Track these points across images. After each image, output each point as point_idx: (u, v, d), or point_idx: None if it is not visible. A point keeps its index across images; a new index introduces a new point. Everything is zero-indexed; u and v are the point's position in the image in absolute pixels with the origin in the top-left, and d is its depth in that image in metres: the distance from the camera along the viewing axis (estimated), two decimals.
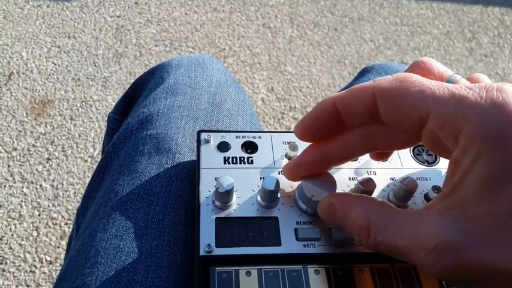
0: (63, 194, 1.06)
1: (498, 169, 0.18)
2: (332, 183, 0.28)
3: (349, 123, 0.24)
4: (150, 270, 0.27)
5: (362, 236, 0.23)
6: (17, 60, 1.33)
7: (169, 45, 1.45)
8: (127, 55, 1.39)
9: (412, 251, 0.20)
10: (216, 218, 0.28)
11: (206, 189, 0.29)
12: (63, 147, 1.14)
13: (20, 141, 1.14)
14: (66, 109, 1.22)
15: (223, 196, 0.28)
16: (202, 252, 0.26)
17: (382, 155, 0.28)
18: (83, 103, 1.24)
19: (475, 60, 1.67)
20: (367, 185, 0.28)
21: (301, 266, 0.27)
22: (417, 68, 0.25)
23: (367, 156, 0.32)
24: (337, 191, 0.30)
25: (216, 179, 0.30)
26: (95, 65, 1.35)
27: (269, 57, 1.49)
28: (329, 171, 0.28)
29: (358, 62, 1.55)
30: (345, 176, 0.31)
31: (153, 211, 0.30)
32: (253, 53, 1.49)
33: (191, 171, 0.33)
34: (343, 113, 0.23)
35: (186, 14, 1.58)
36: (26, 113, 1.20)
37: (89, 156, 1.13)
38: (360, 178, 0.30)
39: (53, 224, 1.01)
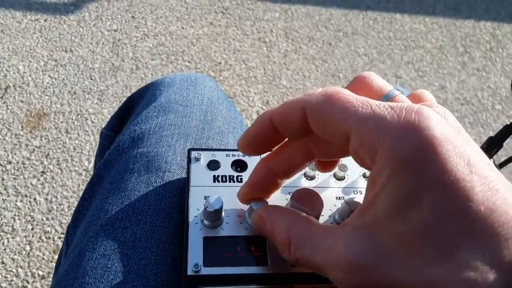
0: (57, 208, 1.06)
1: (406, 192, 0.18)
2: (319, 203, 0.28)
3: (287, 136, 0.25)
4: None
5: (284, 251, 0.23)
6: (14, 73, 1.33)
7: (166, 59, 1.47)
8: (123, 69, 1.40)
9: (326, 268, 0.21)
10: (204, 238, 0.28)
11: (195, 208, 0.30)
12: (58, 161, 1.14)
13: (15, 154, 1.14)
14: (61, 122, 1.23)
15: (212, 215, 0.28)
16: (190, 272, 0.26)
17: (325, 166, 0.29)
18: (79, 116, 1.25)
19: (467, 74, 1.69)
20: (352, 206, 0.28)
21: (288, 286, 0.27)
22: (358, 82, 0.25)
23: (354, 175, 0.33)
24: (324, 210, 0.30)
25: (205, 197, 0.30)
26: (91, 79, 1.35)
27: (264, 71, 1.51)
28: (316, 191, 0.28)
29: (352, 75, 1.56)
30: (332, 195, 0.32)
31: (141, 230, 0.30)
32: (249, 67, 1.51)
33: (180, 189, 0.34)
34: (279, 127, 0.24)
35: (182, 28, 1.60)
36: (22, 126, 1.20)
37: (84, 170, 1.13)
38: (346, 198, 0.31)
39: (46, 238, 1.01)
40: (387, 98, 0.24)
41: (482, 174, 0.18)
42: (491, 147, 0.31)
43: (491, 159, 0.35)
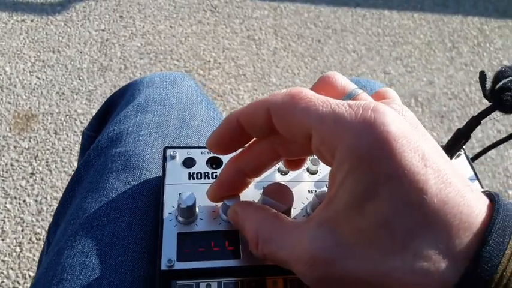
0: (47, 209, 1.06)
1: (364, 187, 0.19)
2: (290, 196, 0.29)
3: (253, 135, 0.25)
4: (113, 286, 0.28)
5: (252, 247, 0.24)
6: (0, 74, 1.33)
7: (154, 58, 1.47)
8: (112, 68, 1.40)
9: (291, 262, 0.22)
10: (178, 233, 0.29)
11: (170, 205, 0.30)
12: (47, 162, 1.14)
13: (3, 156, 1.14)
14: (50, 123, 1.22)
15: (185, 212, 0.29)
16: (163, 267, 0.27)
17: (292, 164, 0.29)
18: (67, 117, 1.25)
19: (455, 69, 1.70)
20: (322, 198, 0.29)
21: (260, 278, 0.28)
22: (322, 82, 0.26)
23: (327, 169, 0.34)
24: (297, 204, 0.31)
25: (180, 194, 0.31)
26: (80, 79, 1.35)
27: (254, 69, 1.51)
28: (288, 185, 0.29)
29: (341, 72, 1.56)
30: (305, 188, 0.32)
31: (118, 228, 0.31)
32: (238, 65, 1.51)
33: (158, 187, 0.34)
34: (246, 126, 0.24)
35: (170, 27, 1.60)
36: (10, 128, 1.20)
37: (73, 171, 1.13)
38: (317, 191, 0.31)
39: (36, 239, 1.01)
40: (350, 96, 0.25)
41: (436, 168, 0.19)
42: (459, 138, 0.32)
43: (461, 150, 0.36)
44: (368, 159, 0.19)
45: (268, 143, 0.26)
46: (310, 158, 0.33)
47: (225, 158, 0.34)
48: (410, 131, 0.20)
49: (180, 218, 0.29)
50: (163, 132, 0.38)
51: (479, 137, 1.45)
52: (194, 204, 0.29)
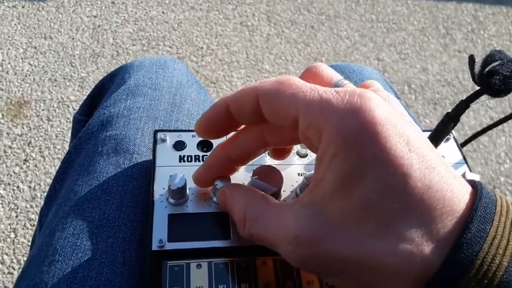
0: (41, 195, 1.06)
1: (350, 169, 0.20)
2: (279, 178, 0.29)
3: (242, 122, 0.25)
4: (104, 266, 0.29)
5: (240, 227, 0.25)
6: None
7: (147, 44, 1.46)
8: (104, 55, 1.39)
9: (277, 242, 0.22)
10: (169, 215, 0.29)
11: (161, 187, 0.31)
12: (40, 148, 1.14)
13: None
14: (43, 110, 1.22)
15: (176, 193, 0.29)
16: (154, 247, 0.27)
17: (279, 154, 0.30)
18: (60, 104, 1.24)
19: (449, 55, 1.70)
20: (311, 180, 0.29)
21: (250, 258, 0.28)
22: (309, 72, 0.26)
23: None
24: (287, 186, 0.32)
25: (170, 176, 0.31)
26: (72, 65, 1.34)
27: (247, 56, 1.50)
28: (278, 168, 0.30)
29: (334, 59, 1.57)
30: (295, 171, 0.33)
31: (109, 210, 0.31)
32: (231, 52, 1.50)
33: (148, 170, 0.34)
34: (234, 113, 0.25)
35: (163, 13, 1.58)
36: (2, 115, 1.19)
37: None
38: (307, 174, 0.32)
39: (30, 225, 1.01)
40: (336, 86, 0.25)
41: (420, 153, 0.20)
42: (448, 122, 0.33)
43: (451, 134, 0.37)
44: (354, 142, 0.19)
45: (256, 130, 0.26)
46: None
47: (216, 142, 0.34)
48: (396, 116, 0.20)
49: (170, 200, 0.29)
50: (154, 115, 0.38)
51: (472, 124, 1.46)
52: (185, 186, 0.29)
